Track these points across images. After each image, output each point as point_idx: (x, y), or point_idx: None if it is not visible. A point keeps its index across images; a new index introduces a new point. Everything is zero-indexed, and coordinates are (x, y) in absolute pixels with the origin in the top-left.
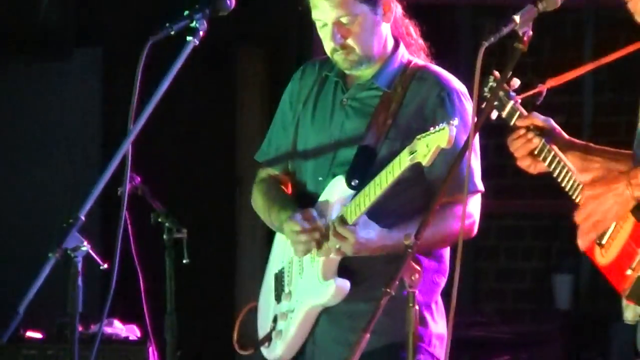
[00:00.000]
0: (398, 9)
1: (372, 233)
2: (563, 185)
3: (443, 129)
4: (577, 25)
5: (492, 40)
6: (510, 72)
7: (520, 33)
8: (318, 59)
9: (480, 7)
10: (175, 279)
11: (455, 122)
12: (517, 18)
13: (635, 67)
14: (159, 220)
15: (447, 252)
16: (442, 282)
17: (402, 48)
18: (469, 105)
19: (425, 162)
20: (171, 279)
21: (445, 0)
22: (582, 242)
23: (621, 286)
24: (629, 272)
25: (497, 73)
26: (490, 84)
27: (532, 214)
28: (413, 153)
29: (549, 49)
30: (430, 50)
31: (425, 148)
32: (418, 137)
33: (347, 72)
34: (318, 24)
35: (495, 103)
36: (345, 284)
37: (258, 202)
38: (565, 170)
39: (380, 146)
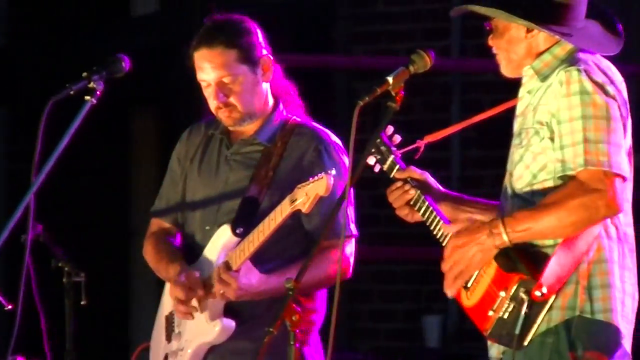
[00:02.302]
0: (277, 70)
1: (253, 279)
2: (434, 233)
3: (322, 178)
4: (445, 88)
5: (366, 99)
6: (393, 129)
7: (393, 93)
8: (204, 120)
9: (355, 72)
10: (74, 319)
11: (333, 171)
12: (390, 79)
13: (499, 124)
14: (59, 264)
15: (324, 293)
16: (319, 320)
17: (281, 106)
18: (344, 158)
19: (304, 209)
20: (70, 319)
21: (325, 65)
22: (450, 291)
23: (483, 326)
24: (490, 313)
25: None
26: (378, 140)
27: (403, 259)
28: (294, 201)
29: (419, 109)
30: (309, 109)
31: (305, 196)
32: (299, 186)
33: (231, 128)
34: (203, 85)
35: (378, 157)
36: (231, 324)
37: (149, 254)
38: (437, 220)
39: (263, 197)
